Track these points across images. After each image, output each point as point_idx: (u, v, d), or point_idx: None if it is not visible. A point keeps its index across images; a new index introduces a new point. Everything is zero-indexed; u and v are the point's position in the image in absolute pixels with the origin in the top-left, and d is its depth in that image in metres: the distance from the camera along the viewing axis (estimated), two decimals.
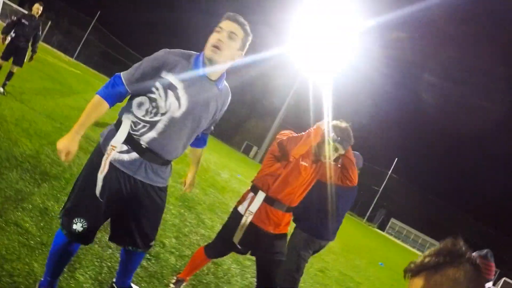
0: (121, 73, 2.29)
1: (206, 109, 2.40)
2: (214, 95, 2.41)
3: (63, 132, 6.88)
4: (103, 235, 3.57)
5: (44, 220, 3.48)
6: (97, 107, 2.25)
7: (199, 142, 2.77)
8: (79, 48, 40.89)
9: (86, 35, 42.06)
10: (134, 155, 2.28)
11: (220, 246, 3.36)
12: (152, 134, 2.28)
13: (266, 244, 3.19)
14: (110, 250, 3.48)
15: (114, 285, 2.92)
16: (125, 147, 2.28)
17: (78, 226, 2.27)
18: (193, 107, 2.31)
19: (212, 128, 2.78)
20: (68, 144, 2.19)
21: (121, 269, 2.85)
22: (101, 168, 2.26)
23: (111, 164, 2.27)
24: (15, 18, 8.53)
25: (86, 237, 2.36)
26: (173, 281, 3.42)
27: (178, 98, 2.25)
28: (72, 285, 2.78)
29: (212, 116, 2.50)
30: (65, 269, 2.64)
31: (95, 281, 2.94)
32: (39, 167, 4.69)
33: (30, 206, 3.59)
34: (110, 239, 2.58)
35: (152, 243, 2.60)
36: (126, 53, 45.77)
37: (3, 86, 8.08)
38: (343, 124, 3.31)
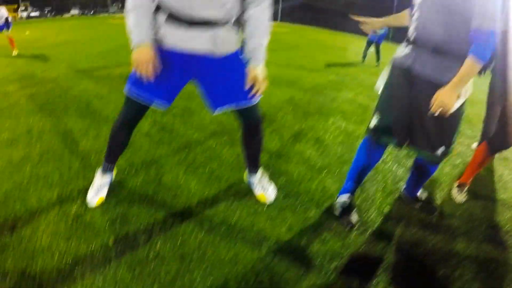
0: None
1: None
2: None
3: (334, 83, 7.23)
4: None
5: (320, 146, 3.81)
6: None
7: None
8: (279, 11, 42.23)
9: None
10: (408, 48, 2.27)
11: (504, 139, 2.92)
12: (412, 23, 2.27)
13: None
14: (389, 164, 3.51)
15: (403, 192, 2.94)
16: (404, 44, 2.34)
17: (375, 123, 2.40)
18: None
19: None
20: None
21: (411, 180, 2.84)
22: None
23: (394, 65, 2.36)
24: None
25: (389, 135, 2.38)
26: (455, 185, 3.19)
27: None
28: (362, 196, 2.91)
29: None
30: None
31: (383, 193, 2.99)
32: (301, 109, 5.10)
33: (306, 138, 3.99)
34: (409, 143, 2.48)
35: (442, 150, 2.36)
36: None
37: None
38: None
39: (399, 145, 2.39)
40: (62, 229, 2.18)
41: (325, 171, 3.22)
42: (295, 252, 2.17)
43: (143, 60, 1.99)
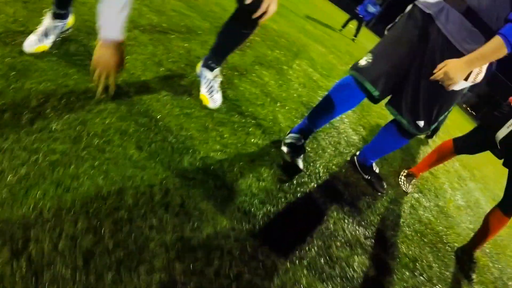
0: None
1: None
2: None
3: None
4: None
5: (281, 78, 3.33)
6: None
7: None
8: None
9: None
10: None
11: (473, 142, 2.73)
12: None
13: None
14: (346, 124, 3.10)
15: (356, 158, 2.59)
16: None
17: (365, 63, 1.97)
18: None
19: None
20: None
21: (372, 146, 2.48)
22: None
23: (416, 6, 1.91)
24: None
25: (374, 82, 1.95)
26: (405, 173, 2.96)
27: None
28: (312, 145, 2.51)
29: None
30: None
31: (334, 150, 2.63)
32: (271, 40, 4.53)
33: (269, 65, 3.46)
34: (391, 102, 2.08)
35: (422, 124, 2.00)
36: None
37: None
38: None
39: (379, 97, 1.96)
40: None
41: (279, 104, 2.72)
42: (221, 179, 1.64)
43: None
